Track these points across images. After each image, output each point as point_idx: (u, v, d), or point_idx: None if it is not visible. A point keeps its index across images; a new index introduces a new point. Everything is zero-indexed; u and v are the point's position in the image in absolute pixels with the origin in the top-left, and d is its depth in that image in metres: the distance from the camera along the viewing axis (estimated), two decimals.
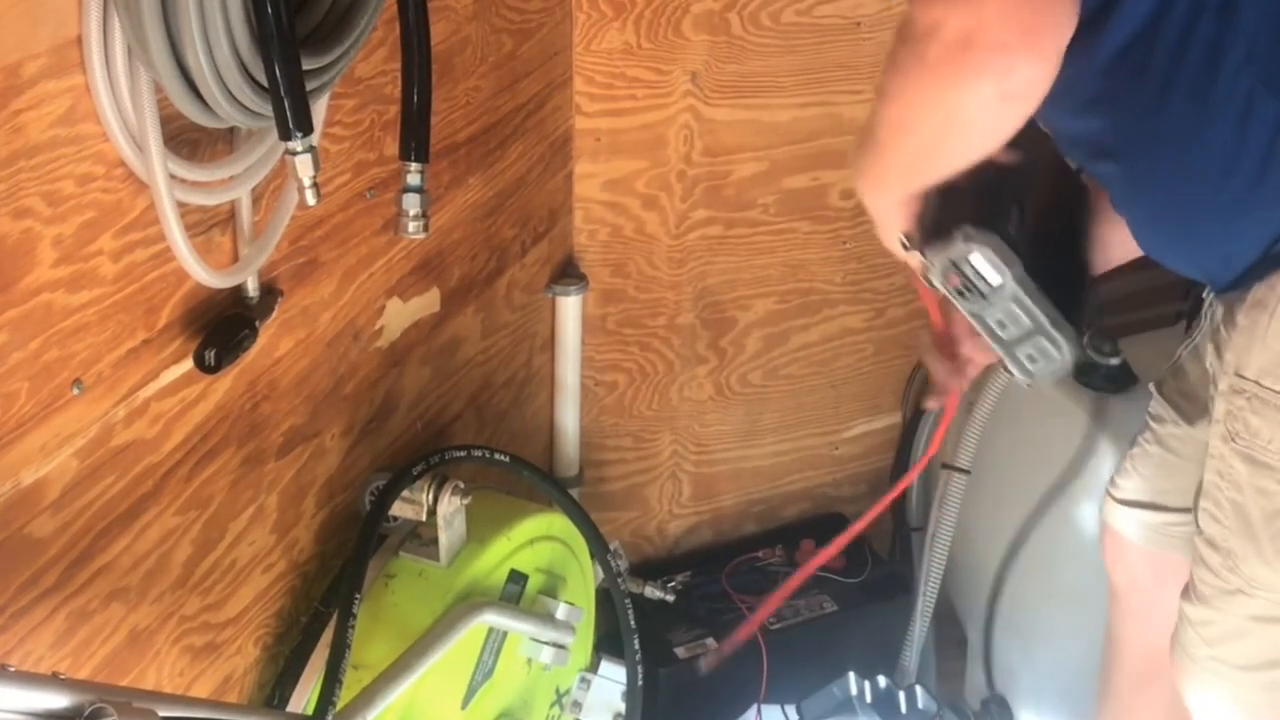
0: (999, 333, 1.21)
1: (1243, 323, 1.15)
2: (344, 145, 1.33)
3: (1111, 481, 1.57)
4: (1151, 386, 1.50)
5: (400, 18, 1.30)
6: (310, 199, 1.07)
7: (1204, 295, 1.30)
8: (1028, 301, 1.19)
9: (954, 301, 1.21)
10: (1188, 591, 1.30)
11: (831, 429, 2.30)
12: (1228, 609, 1.24)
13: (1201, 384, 1.32)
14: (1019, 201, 1.21)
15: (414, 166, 1.40)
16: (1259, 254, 1.13)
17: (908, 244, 1.22)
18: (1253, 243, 1.13)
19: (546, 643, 1.57)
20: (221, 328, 1.17)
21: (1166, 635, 1.35)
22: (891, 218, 1.22)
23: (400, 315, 1.53)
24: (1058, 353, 1.22)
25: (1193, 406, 1.40)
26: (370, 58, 1.33)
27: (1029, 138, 1.11)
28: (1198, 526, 1.25)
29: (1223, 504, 1.21)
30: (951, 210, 1.18)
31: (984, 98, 1.00)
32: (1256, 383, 1.15)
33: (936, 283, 1.20)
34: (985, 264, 1.17)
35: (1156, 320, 2.11)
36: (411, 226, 1.43)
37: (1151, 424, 1.49)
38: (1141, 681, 1.59)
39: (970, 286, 1.18)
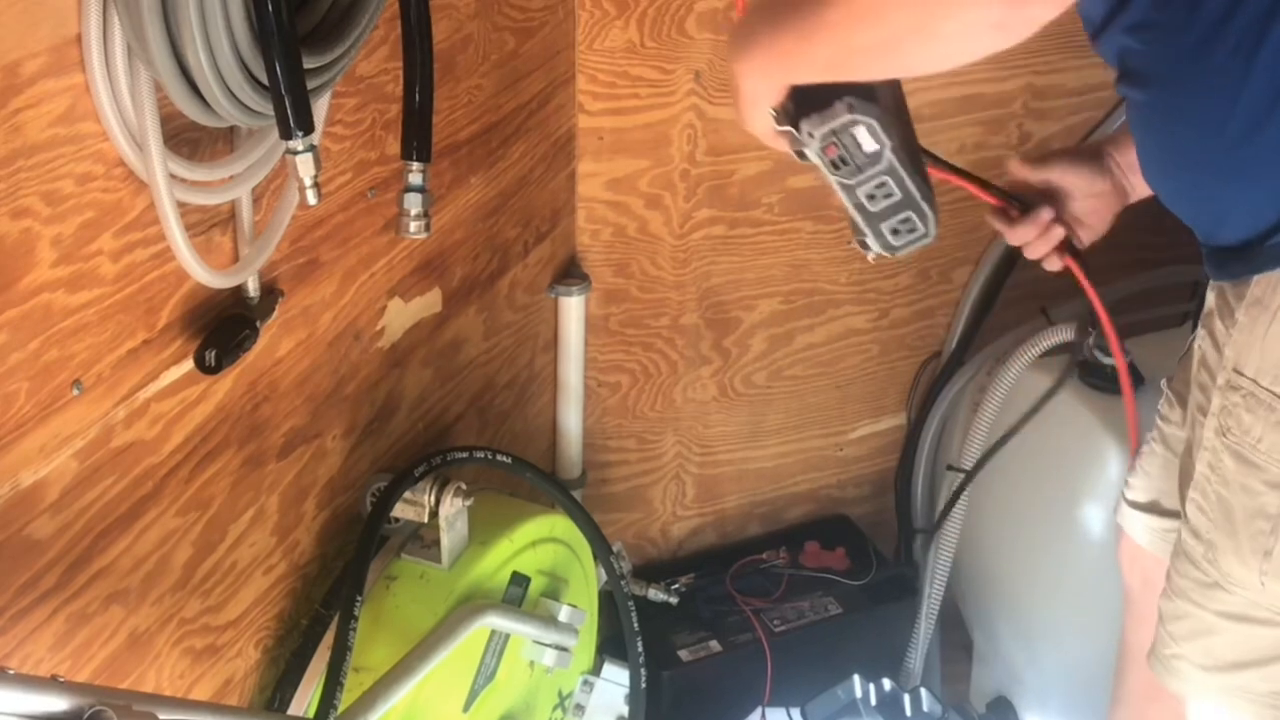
0: (868, 206, 1.21)
1: (1242, 320, 1.15)
2: (345, 144, 1.32)
3: (1125, 482, 1.57)
4: (1163, 383, 1.50)
5: (402, 16, 1.29)
6: (311, 199, 1.06)
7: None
8: (902, 173, 1.19)
9: (825, 173, 1.20)
10: (1164, 589, 1.29)
11: (836, 430, 2.30)
12: (1202, 602, 1.23)
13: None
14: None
15: (415, 166, 1.39)
16: (1252, 232, 1.12)
17: (779, 117, 1.18)
18: (1249, 213, 1.12)
19: (549, 645, 1.57)
20: (222, 328, 1.16)
21: None
22: (766, 96, 1.17)
23: (402, 316, 1.52)
24: (923, 224, 1.22)
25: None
26: (372, 56, 1.32)
27: None
28: (1185, 515, 1.25)
29: (1210, 496, 1.21)
30: (827, 84, 1.16)
31: (978, 19, 0.93)
32: (1254, 381, 1.14)
33: (811, 155, 1.19)
34: (867, 135, 1.16)
35: (1163, 320, 2.10)
36: (413, 226, 1.42)
37: (1158, 422, 1.50)
38: (1154, 688, 1.57)
39: (847, 158, 1.18)
